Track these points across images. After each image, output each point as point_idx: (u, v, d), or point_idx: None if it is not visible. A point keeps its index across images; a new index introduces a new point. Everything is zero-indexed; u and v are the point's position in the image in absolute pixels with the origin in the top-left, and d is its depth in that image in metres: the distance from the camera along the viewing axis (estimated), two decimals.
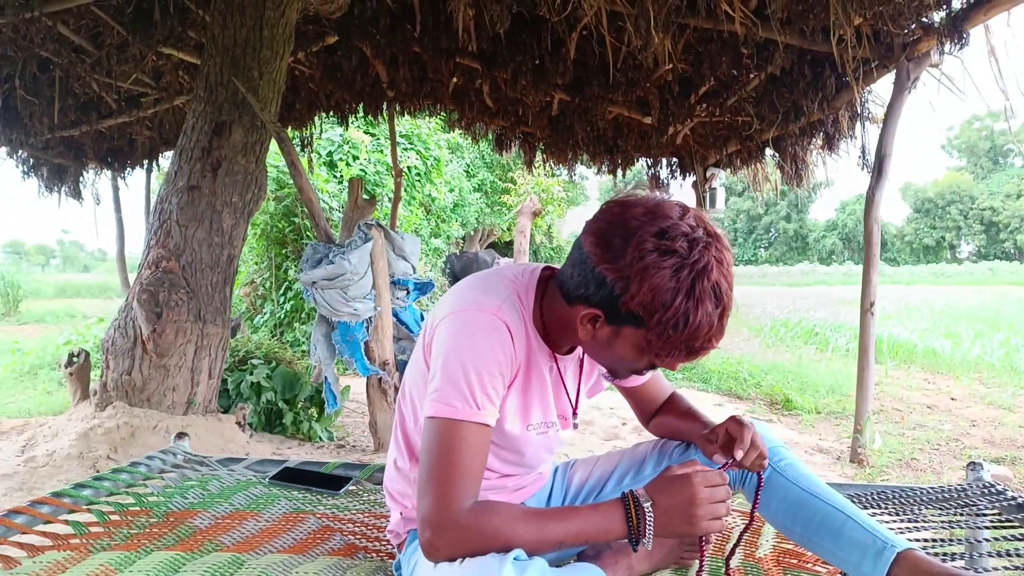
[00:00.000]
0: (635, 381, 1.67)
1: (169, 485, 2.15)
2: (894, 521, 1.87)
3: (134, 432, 3.83)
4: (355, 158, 9.85)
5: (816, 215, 67.37)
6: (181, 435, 2.45)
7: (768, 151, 6.97)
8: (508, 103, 6.70)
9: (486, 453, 1.29)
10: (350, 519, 2.03)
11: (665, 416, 1.71)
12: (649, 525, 1.21)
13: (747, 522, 1.49)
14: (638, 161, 8.03)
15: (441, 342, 1.31)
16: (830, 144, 5.94)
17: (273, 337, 8.32)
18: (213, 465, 2.37)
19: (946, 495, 1.99)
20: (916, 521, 1.87)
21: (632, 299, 1.16)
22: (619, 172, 7.92)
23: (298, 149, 8.69)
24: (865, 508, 1.93)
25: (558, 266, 1.40)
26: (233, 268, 4.29)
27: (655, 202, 1.22)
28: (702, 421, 1.62)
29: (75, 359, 4.39)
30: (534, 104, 6.29)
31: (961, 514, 1.86)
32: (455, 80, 6.37)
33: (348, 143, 9.94)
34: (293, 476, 2.27)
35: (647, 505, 1.22)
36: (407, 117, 10.65)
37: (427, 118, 9.79)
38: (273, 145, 4.47)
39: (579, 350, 1.50)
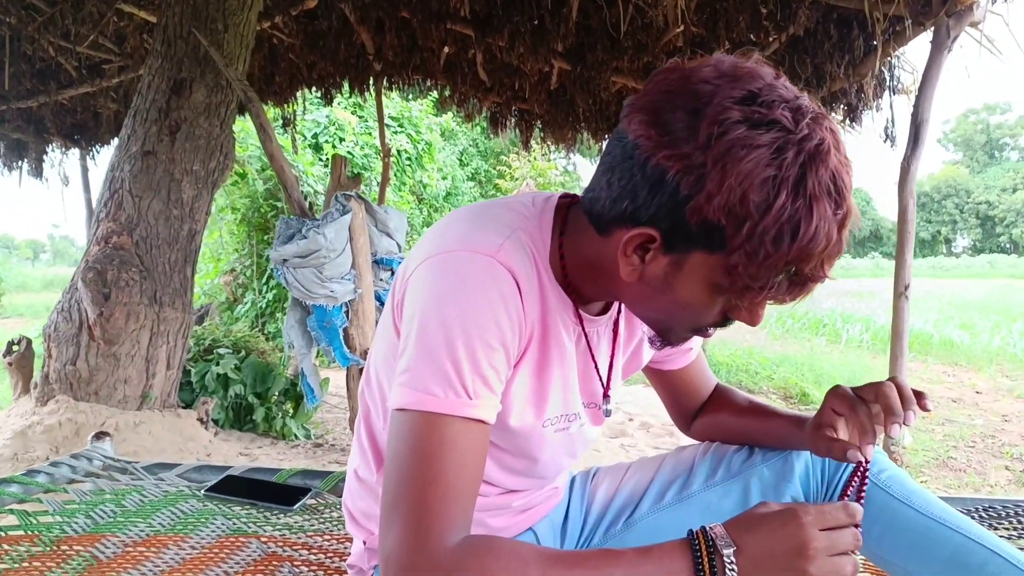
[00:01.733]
0: (681, 359, 1.23)
1: (73, 500, 1.68)
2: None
3: (79, 430, 3.37)
4: (341, 140, 9.36)
5: None
6: (101, 435, 1.98)
7: None
8: (503, 75, 6.26)
9: (482, 462, 0.86)
10: (305, 543, 1.58)
11: (718, 414, 1.27)
12: None
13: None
14: None
15: (415, 299, 0.87)
16: (852, 115, 5.48)
17: (254, 328, 7.84)
18: (138, 473, 1.90)
19: None
20: None
21: (709, 201, 0.74)
22: None
23: (279, 128, 8.21)
24: None
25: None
26: (195, 245, 3.82)
27: (731, 62, 0.79)
28: (783, 415, 1.17)
29: (15, 347, 3.90)
30: (532, 73, 5.84)
31: None
32: (447, 50, 5.92)
33: (334, 124, 9.45)
34: (236, 487, 1.80)
35: (728, 552, 0.77)
36: (397, 97, 10.25)
37: (417, 98, 9.32)
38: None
39: (613, 309, 1.05)
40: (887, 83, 5.13)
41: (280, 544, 1.56)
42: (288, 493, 1.77)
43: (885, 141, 5.21)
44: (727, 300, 0.84)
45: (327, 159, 9.27)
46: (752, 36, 4.94)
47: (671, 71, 0.81)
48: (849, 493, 1.02)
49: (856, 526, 0.80)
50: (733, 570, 0.76)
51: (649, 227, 0.80)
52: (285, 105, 7.22)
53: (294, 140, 8.35)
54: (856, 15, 4.46)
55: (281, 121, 7.71)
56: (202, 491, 1.78)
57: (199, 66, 3.67)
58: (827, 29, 4.73)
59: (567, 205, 0.98)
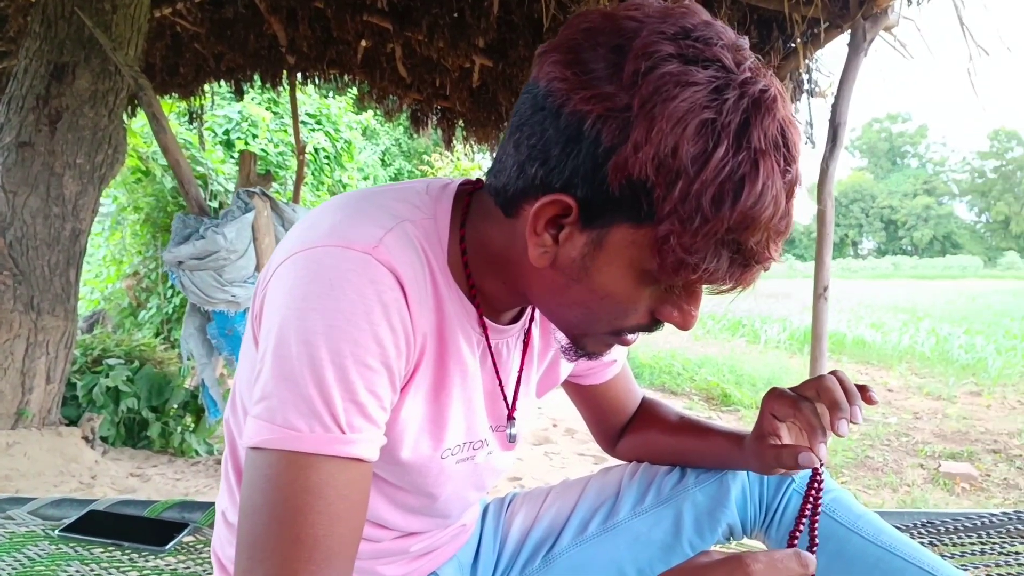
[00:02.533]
0: (604, 372, 1.08)
1: None
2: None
3: None
4: (254, 136, 8.96)
5: None
6: None
7: None
8: (424, 71, 6.08)
9: (362, 511, 0.68)
10: None
11: (647, 432, 1.13)
12: None
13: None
14: None
15: (273, 308, 0.69)
16: None
17: (160, 335, 7.38)
18: None
19: (1015, 525, 1.47)
20: (989, 565, 1.34)
21: (635, 152, 0.59)
22: None
23: (186, 122, 7.79)
24: None
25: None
26: (80, 246, 3.48)
27: (660, 3, 0.65)
28: (719, 432, 1.05)
29: None
30: (453, 69, 5.69)
31: None
32: (364, 43, 5.69)
33: (247, 120, 9.03)
34: (99, 525, 1.56)
35: None
36: (314, 93, 9.89)
37: (335, 94, 9.01)
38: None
39: (525, 317, 0.89)
40: (804, 85, 5.19)
41: None
42: (161, 530, 1.54)
43: (806, 143, 5.27)
44: (656, 289, 0.69)
45: (239, 157, 8.87)
46: None
47: (591, 12, 0.66)
48: (804, 519, 0.88)
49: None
50: None
51: (563, 194, 0.64)
52: (192, 98, 6.83)
53: (201, 136, 7.92)
54: (776, 16, 4.47)
55: (188, 115, 7.29)
56: (57, 531, 1.53)
57: (83, 49, 3.36)
58: (747, 29, 4.73)
59: (469, 192, 0.81)
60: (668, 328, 0.76)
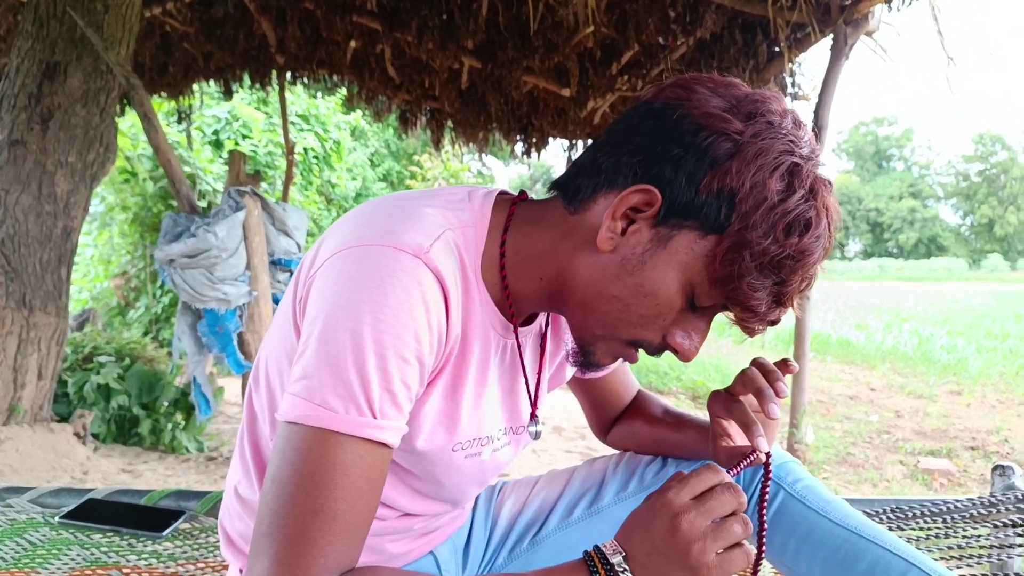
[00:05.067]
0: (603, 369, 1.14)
1: None
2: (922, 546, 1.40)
3: None
4: (245, 137, 8.96)
5: None
6: None
7: None
8: (413, 72, 6.10)
9: (379, 493, 0.74)
10: (175, 574, 1.41)
11: (632, 423, 1.19)
12: None
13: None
14: (553, 141, 7.56)
15: (323, 296, 0.75)
16: None
17: (148, 334, 7.38)
18: None
19: (978, 510, 1.54)
20: (952, 547, 1.41)
21: (739, 170, 0.72)
22: (532, 153, 7.42)
23: (171, 123, 7.79)
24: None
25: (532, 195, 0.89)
26: (71, 244, 3.51)
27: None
28: (694, 426, 1.10)
29: None
30: (442, 70, 5.72)
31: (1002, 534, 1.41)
32: (353, 43, 5.72)
33: (237, 120, 9.03)
34: (98, 513, 1.60)
35: (617, 560, 0.72)
36: (304, 94, 9.90)
37: (324, 94, 9.03)
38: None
39: (540, 320, 0.95)
40: (788, 89, 5.27)
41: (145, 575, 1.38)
42: (158, 517, 1.58)
43: None
44: (688, 303, 0.78)
45: (228, 157, 8.87)
46: (661, 39, 4.98)
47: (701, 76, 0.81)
48: (766, 497, 0.94)
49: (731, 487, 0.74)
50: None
51: (653, 186, 0.74)
52: (181, 98, 6.83)
53: (190, 135, 7.93)
54: (760, 21, 4.55)
55: (176, 115, 7.30)
56: (57, 518, 1.57)
57: (75, 49, 3.38)
58: (732, 34, 4.81)
59: (512, 202, 0.88)
60: None
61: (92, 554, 1.45)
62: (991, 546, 1.40)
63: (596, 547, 0.73)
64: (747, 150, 0.72)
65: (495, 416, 0.93)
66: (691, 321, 0.79)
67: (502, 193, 0.89)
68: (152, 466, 3.62)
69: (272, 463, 0.71)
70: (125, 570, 1.40)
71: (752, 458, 0.87)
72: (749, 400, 0.91)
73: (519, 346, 0.89)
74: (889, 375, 7.68)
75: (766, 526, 0.92)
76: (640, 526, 0.72)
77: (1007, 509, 1.53)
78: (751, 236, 0.71)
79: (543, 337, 0.97)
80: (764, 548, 0.88)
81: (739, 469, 0.86)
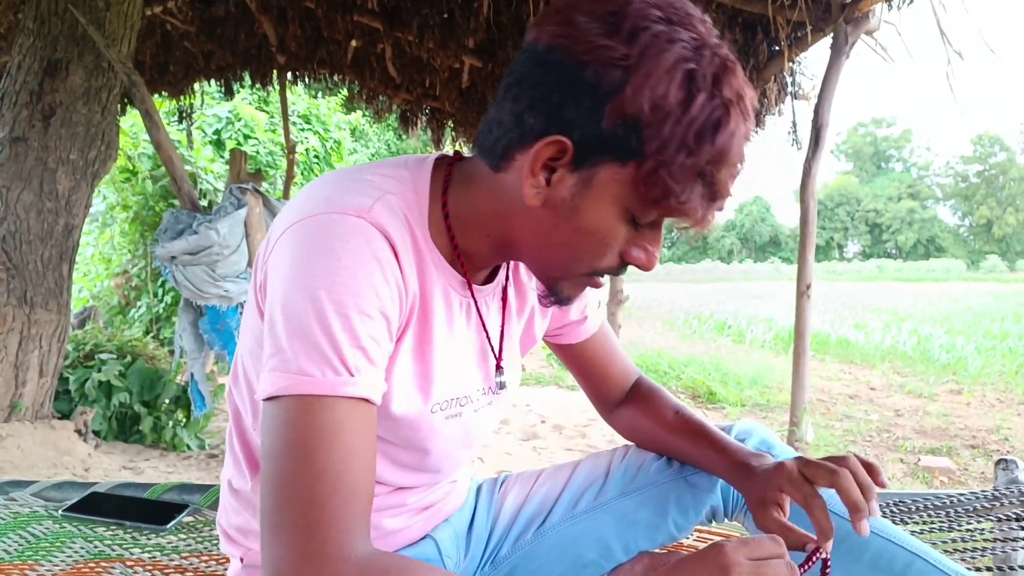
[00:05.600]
0: (578, 330, 1.13)
1: None
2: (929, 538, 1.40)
3: None
4: (247, 137, 8.96)
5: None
6: None
7: None
8: (414, 71, 6.11)
9: (373, 449, 0.75)
10: (179, 566, 1.41)
11: (643, 418, 1.16)
12: None
13: None
14: None
15: (278, 274, 0.76)
16: (757, 120, 5.62)
17: (149, 334, 7.38)
18: None
19: (981, 503, 1.54)
20: (954, 540, 1.41)
21: (635, 96, 0.70)
22: None
23: (171, 122, 7.79)
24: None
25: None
26: (73, 241, 3.51)
27: None
28: (716, 446, 1.07)
29: None
30: (443, 69, 5.72)
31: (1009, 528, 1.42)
32: (354, 43, 5.72)
33: (239, 120, 9.03)
34: (101, 506, 1.60)
35: None
36: (304, 94, 9.90)
37: (325, 94, 9.03)
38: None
39: (500, 276, 0.96)
40: (788, 88, 5.28)
41: (149, 568, 1.38)
42: (161, 511, 1.59)
43: (792, 144, 5.35)
44: (628, 231, 0.78)
45: (229, 156, 8.87)
46: None
47: None
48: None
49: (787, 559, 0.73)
50: None
51: (560, 135, 0.73)
52: (181, 96, 6.84)
53: (190, 134, 7.92)
54: (760, 20, 4.55)
55: (177, 114, 7.30)
56: (60, 511, 1.57)
57: (77, 46, 3.38)
58: (733, 33, 4.81)
59: (449, 163, 0.88)
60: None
61: (96, 547, 1.45)
62: (994, 539, 1.41)
63: (620, 567, 0.77)
64: (637, 73, 0.70)
65: (472, 376, 0.94)
66: (642, 237, 0.80)
67: (440, 157, 0.90)
68: (153, 463, 3.63)
69: (263, 444, 0.72)
70: (129, 563, 1.40)
71: (814, 559, 0.85)
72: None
73: (475, 303, 0.91)
74: (888, 374, 7.68)
75: None
76: (687, 566, 0.73)
77: (1010, 503, 1.54)
78: (666, 155, 0.71)
79: (504, 292, 0.98)
80: None
81: (805, 569, 0.84)
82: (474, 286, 0.90)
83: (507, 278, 0.98)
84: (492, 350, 0.96)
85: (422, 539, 1.04)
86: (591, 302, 1.12)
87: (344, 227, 0.74)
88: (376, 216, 0.76)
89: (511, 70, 0.78)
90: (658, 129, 0.70)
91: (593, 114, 0.72)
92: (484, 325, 0.93)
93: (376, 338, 0.74)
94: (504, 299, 0.98)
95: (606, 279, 0.86)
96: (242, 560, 0.98)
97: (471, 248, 0.86)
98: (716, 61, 0.71)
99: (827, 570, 0.86)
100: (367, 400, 0.73)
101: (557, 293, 0.86)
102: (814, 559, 0.84)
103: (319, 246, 0.73)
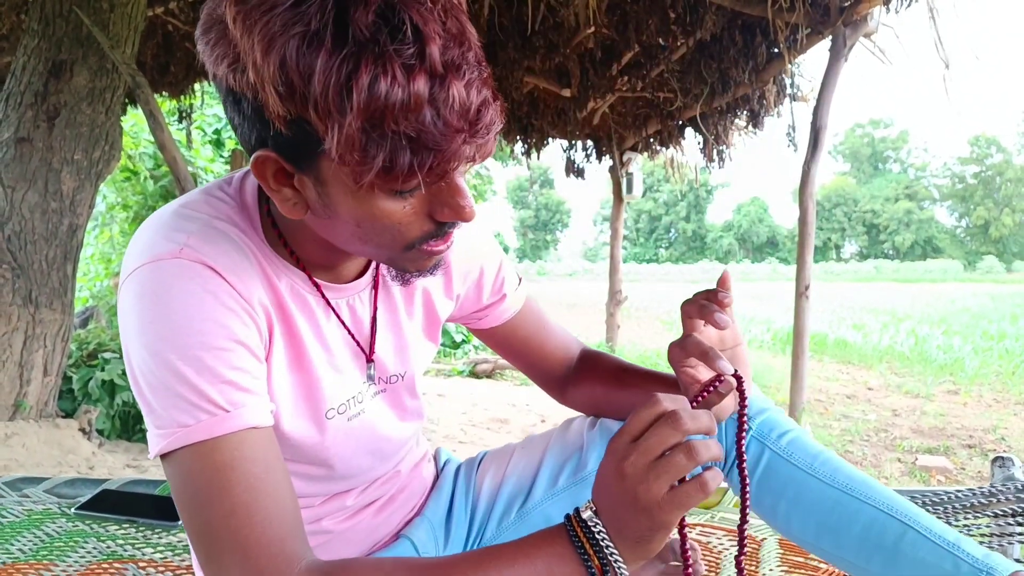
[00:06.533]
0: (494, 312, 1.10)
1: None
2: None
3: None
4: None
5: (713, 217, 69.79)
6: None
7: (689, 132, 6.68)
8: None
9: (277, 467, 0.74)
10: (189, 567, 1.43)
11: (591, 386, 1.13)
12: (611, 552, 0.69)
13: (739, 538, 0.84)
14: (553, 141, 7.59)
15: (122, 335, 0.76)
16: (755, 121, 5.65)
17: None
18: None
19: (978, 499, 1.57)
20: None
21: (263, 88, 0.61)
22: (532, 154, 7.46)
23: (175, 121, 7.80)
24: None
25: None
26: (77, 241, 3.52)
27: None
28: (660, 379, 1.04)
29: None
30: None
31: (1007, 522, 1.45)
32: None
33: None
34: (113, 503, 1.63)
35: (588, 515, 0.70)
36: None
37: None
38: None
39: (371, 270, 0.93)
40: (787, 90, 5.31)
41: (161, 569, 1.40)
42: (172, 507, 1.61)
43: (789, 146, 5.38)
44: (400, 196, 0.69)
45: (228, 156, 8.88)
46: (661, 40, 5.01)
47: None
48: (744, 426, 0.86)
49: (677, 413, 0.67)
50: (605, 539, 0.69)
51: (261, 150, 0.68)
52: (181, 97, 6.85)
53: (189, 134, 7.94)
54: (759, 22, 4.58)
55: (177, 114, 7.31)
56: (73, 509, 1.59)
57: (81, 47, 3.40)
58: (732, 35, 4.85)
59: None
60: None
61: (108, 547, 1.47)
62: (991, 534, 1.43)
63: (576, 510, 0.72)
64: (250, 68, 0.61)
65: (352, 373, 0.92)
66: (431, 196, 0.71)
67: None
68: (156, 461, 3.65)
69: (174, 499, 0.73)
70: (141, 563, 1.42)
71: (719, 385, 0.80)
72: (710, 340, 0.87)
73: (327, 301, 0.87)
74: (886, 374, 7.71)
75: (746, 458, 0.88)
76: (600, 479, 0.71)
77: (1007, 499, 1.56)
78: (337, 129, 0.60)
79: (376, 282, 0.94)
80: (748, 486, 0.84)
81: (703, 396, 0.79)
82: (329, 286, 0.87)
83: (378, 269, 0.94)
84: (359, 344, 0.93)
85: (396, 540, 1.04)
86: (507, 279, 1.08)
87: (163, 273, 0.72)
88: (190, 251, 0.73)
89: None
90: (311, 110, 0.61)
91: (261, 120, 0.65)
92: (341, 320, 0.90)
93: (239, 367, 0.73)
94: (376, 289, 0.94)
95: (442, 240, 0.76)
96: None
97: (310, 251, 0.83)
98: (328, 4, 0.59)
99: (741, 388, 0.81)
100: (254, 427, 0.73)
101: (403, 271, 0.80)
102: (718, 385, 0.80)
103: (147, 300, 0.72)
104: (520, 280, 1.12)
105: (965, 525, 1.48)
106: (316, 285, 0.85)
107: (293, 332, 0.84)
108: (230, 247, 0.77)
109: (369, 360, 0.94)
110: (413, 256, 0.76)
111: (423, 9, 0.60)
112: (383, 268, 0.94)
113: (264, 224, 0.82)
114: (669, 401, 0.68)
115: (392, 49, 0.59)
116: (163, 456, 0.72)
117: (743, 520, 0.83)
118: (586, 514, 0.70)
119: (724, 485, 1.44)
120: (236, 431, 0.71)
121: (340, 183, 0.67)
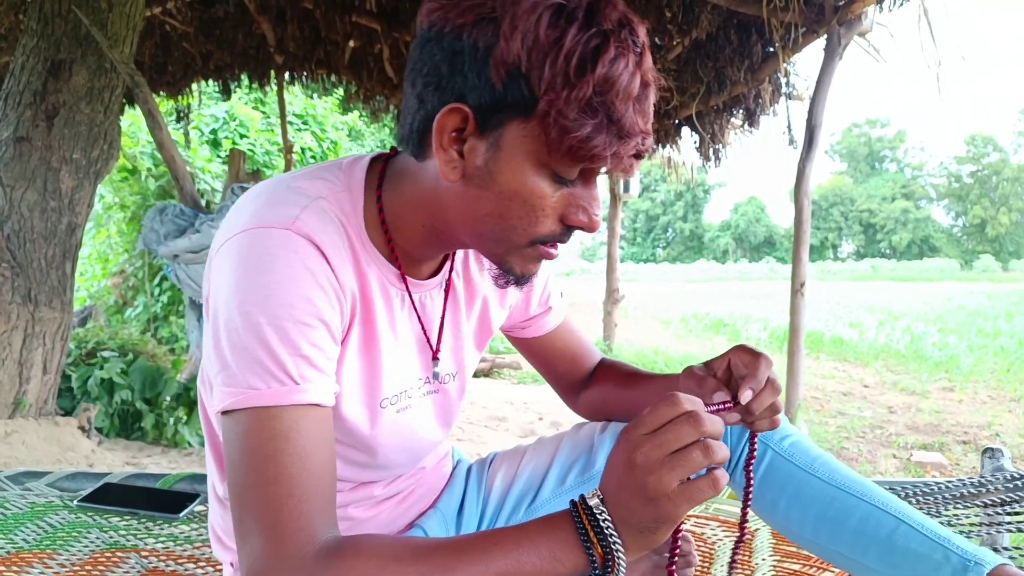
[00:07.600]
0: (540, 323, 1.14)
1: None
2: None
3: None
4: (243, 136, 8.99)
5: (710, 216, 69.87)
6: None
7: (685, 131, 6.70)
8: None
9: (328, 448, 0.78)
10: (192, 556, 1.45)
11: (602, 389, 1.18)
12: (614, 540, 0.71)
13: (738, 534, 0.96)
14: None
15: (215, 292, 0.78)
16: (751, 120, 5.68)
17: (146, 333, 7.40)
18: (1, 483, 1.71)
19: (968, 490, 1.60)
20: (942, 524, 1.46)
21: (508, 45, 0.70)
22: None
23: (173, 121, 7.81)
24: None
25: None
26: (76, 240, 3.54)
27: None
28: (664, 379, 1.09)
29: None
30: None
31: (996, 512, 1.47)
32: (352, 43, 5.75)
33: (235, 119, 9.06)
34: (115, 496, 1.64)
35: (595, 502, 0.73)
36: (301, 94, 9.93)
37: (321, 95, 9.06)
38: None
39: (445, 270, 0.97)
40: (783, 89, 5.34)
41: (163, 558, 1.42)
42: (174, 500, 1.63)
43: (790, 144, 5.41)
44: (558, 192, 0.76)
45: (226, 156, 8.88)
46: (656, 39, 5.03)
47: None
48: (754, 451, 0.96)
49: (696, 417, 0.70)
50: (607, 522, 0.71)
51: (457, 103, 0.73)
52: (179, 97, 6.87)
53: (187, 134, 7.95)
54: (755, 21, 4.61)
55: (175, 114, 7.33)
56: (75, 501, 1.61)
57: (80, 47, 3.42)
58: (728, 34, 4.87)
59: (385, 159, 0.90)
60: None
61: (111, 537, 1.49)
62: (980, 524, 1.46)
63: (582, 496, 0.74)
64: (504, 22, 0.70)
65: (413, 366, 0.95)
66: (575, 195, 0.78)
67: (377, 155, 0.91)
68: (156, 459, 3.66)
69: (225, 454, 0.76)
70: (143, 553, 1.44)
71: (727, 406, 0.83)
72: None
73: (410, 294, 0.91)
74: (882, 372, 7.75)
75: (752, 479, 0.95)
76: (610, 467, 0.73)
77: (996, 489, 1.59)
78: (555, 97, 0.69)
79: (448, 284, 0.98)
80: (750, 499, 0.90)
81: (712, 409, 0.81)
82: (413, 281, 0.91)
83: (451, 270, 0.98)
84: (428, 340, 0.96)
85: (410, 529, 1.07)
86: (553, 292, 1.13)
87: (270, 241, 0.76)
88: (302, 225, 0.77)
89: (408, 57, 0.80)
90: (540, 72, 0.69)
91: (481, 74, 0.72)
92: (419, 315, 0.94)
93: (317, 344, 0.76)
94: (448, 290, 0.98)
95: (560, 250, 0.83)
96: (232, 565, 1.01)
97: (408, 240, 0.87)
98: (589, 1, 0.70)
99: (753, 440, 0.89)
100: (317, 404, 0.76)
101: (510, 271, 0.84)
102: (726, 406, 0.83)
103: (249, 263, 0.75)
104: (561, 294, 1.16)
105: (955, 515, 1.50)
106: (404, 281, 0.89)
107: (370, 319, 0.87)
108: (333, 230, 0.81)
109: (435, 357, 0.98)
110: (530, 254, 0.82)
111: (643, 30, 0.73)
112: (477, 267, 1.00)
113: (367, 212, 0.85)
114: (689, 402, 0.71)
115: (631, 41, 0.71)
116: (224, 412, 0.75)
117: (743, 520, 0.88)
118: (592, 501, 0.72)
119: None
120: (300, 404, 0.74)
121: (516, 152, 0.74)
